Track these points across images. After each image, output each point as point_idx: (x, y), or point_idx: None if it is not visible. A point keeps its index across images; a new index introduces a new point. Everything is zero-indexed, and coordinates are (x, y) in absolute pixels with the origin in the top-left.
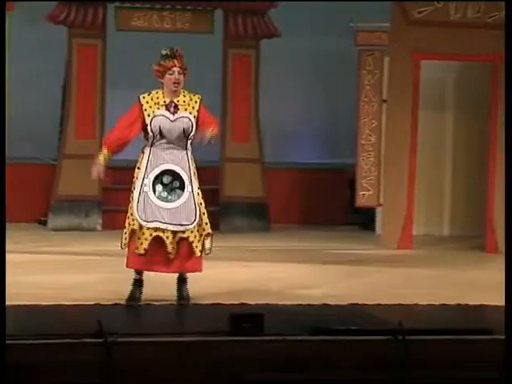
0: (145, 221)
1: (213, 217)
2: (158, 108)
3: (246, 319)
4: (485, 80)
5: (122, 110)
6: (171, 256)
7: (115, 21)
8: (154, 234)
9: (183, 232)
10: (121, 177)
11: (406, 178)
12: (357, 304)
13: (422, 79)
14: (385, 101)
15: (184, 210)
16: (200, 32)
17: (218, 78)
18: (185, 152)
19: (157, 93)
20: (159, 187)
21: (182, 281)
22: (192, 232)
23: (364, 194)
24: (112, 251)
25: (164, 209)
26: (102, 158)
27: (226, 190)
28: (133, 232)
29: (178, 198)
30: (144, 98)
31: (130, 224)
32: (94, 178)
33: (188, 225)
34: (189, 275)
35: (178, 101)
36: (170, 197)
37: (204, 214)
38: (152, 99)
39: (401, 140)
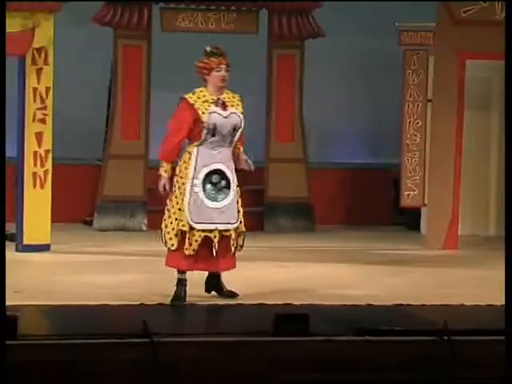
0: (196, 222)
1: (257, 217)
2: (209, 105)
3: (290, 319)
4: None
5: (166, 110)
6: (215, 254)
7: (160, 22)
8: (203, 234)
9: (228, 230)
10: None
11: (452, 177)
12: (402, 304)
13: (468, 79)
14: (430, 100)
15: (231, 208)
16: (245, 32)
17: (262, 78)
18: (230, 149)
19: (201, 91)
20: (209, 187)
21: (218, 278)
22: (234, 230)
23: (409, 194)
24: (156, 251)
25: (213, 208)
26: (164, 172)
27: (271, 191)
28: (182, 233)
29: (226, 196)
30: (191, 97)
31: (171, 223)
32: (162, 193)
33: (234, 223)
34: (231, 275)
35: (224, 98)
36: (218, 196)
37: (239, 211)
38: (199, 98)
39: (446, 140)
